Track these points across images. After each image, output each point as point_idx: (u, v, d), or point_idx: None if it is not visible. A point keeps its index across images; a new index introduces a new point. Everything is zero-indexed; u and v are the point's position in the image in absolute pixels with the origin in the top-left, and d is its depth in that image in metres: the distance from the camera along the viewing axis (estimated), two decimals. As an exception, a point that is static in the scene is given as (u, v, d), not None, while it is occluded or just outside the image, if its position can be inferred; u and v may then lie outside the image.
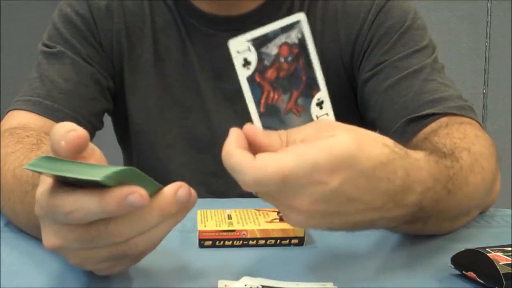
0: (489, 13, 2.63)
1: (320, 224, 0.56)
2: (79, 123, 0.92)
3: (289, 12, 0.94)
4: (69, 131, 0.51)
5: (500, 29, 2.64)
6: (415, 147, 0.63)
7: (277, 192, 0.53)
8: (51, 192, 0.51)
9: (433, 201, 0.61)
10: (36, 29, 2.02)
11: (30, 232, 0.72)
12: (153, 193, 0.52)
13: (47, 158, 0.50)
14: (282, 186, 0.51)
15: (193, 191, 0.54)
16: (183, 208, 0.54)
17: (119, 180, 0.49)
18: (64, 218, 0.50)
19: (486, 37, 2.65)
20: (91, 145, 0.53)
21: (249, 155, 0.52)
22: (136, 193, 0.48)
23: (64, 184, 0.51)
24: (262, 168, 0.50)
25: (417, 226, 0.66)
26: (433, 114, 0.85)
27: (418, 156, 0.60)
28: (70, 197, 0.50)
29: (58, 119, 0.90)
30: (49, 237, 0.53)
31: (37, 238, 0.70)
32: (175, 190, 0.52)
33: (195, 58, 0.96)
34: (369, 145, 0.54)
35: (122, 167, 0.49)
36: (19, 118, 0.89)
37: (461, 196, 0.67)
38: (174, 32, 0.96)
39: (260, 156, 0.51)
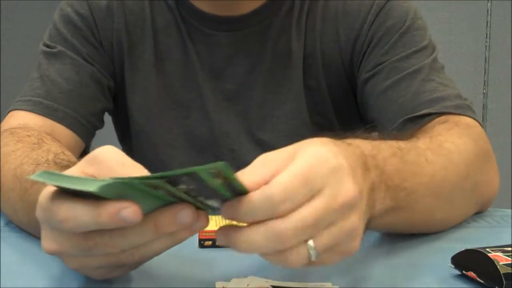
0: (489, 13, 2.63)
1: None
2: (79, 122, 0.92)
3: (290, 13, 0.95)
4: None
5: (500, 29, 2.64)
6: None
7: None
8: (51, 197, 0.50)
9: (393, 169, 0.61)
10: (36, 29, 2.02)
11: (30, 230, 0.72)
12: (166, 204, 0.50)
13: (51, 172, 0.50)
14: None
15: (203, 214, 0.50)
16: (185, 230, 0.51)
17: (118, 193, 0.47)
18: (58, 225, 0.50)
19: (486, 37, 2.65)
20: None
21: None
22: (130, 208, 0.47)
23: (67, 193, 0.50)
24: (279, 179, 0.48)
25: (402, 215, 0.65)
26: (430, 114, 0.85)
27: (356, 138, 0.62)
28: (65, 205, 0.49)
29: (58, 119, 0.90)
30: (48, 242, 0.52)
31: (37, 237, 0.70)
32: (177, 210, 0.50)
33: (196, 58, 0.96)
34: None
35: (120, 179, 0.46)
36: (20, 118, 0.89)
37: (424, 173, 0.67)
38: (174, 32, 0.96)
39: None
